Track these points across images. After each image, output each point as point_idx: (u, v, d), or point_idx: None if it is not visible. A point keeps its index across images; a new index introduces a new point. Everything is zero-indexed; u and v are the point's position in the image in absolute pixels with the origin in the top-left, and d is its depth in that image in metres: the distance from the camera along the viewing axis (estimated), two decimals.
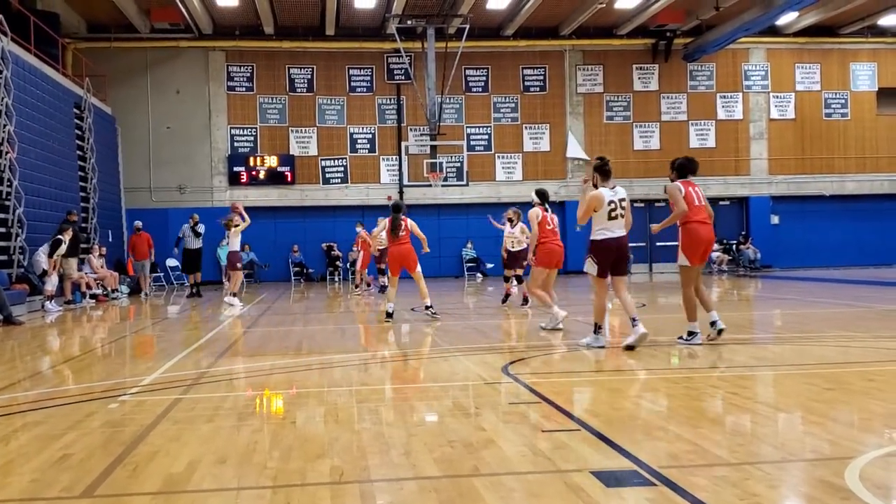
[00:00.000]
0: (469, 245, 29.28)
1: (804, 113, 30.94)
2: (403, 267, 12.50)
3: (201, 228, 21.48)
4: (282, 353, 9.29)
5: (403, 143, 28.61)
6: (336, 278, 28.40)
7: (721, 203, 29.67)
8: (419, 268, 12.58)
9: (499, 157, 29.69)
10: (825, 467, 3.99)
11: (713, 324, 8.52)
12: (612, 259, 8.47)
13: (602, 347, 8.43)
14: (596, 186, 8.61)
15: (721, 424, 5.14)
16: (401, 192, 28.93)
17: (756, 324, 11.67)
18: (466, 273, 28.80)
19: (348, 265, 28.21)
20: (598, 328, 8.50)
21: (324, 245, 28.95)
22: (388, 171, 29.24)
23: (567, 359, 8.43)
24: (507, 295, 15.21)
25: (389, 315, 12.34)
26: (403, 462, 4.24)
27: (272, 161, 28.64)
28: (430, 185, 27.71)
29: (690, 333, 8.59)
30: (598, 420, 5.26)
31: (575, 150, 29.76)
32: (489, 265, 28.50)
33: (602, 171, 8.51)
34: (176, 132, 28.28)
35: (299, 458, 4.37)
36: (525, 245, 14.86)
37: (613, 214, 8.38)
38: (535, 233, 11.18)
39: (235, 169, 28.61)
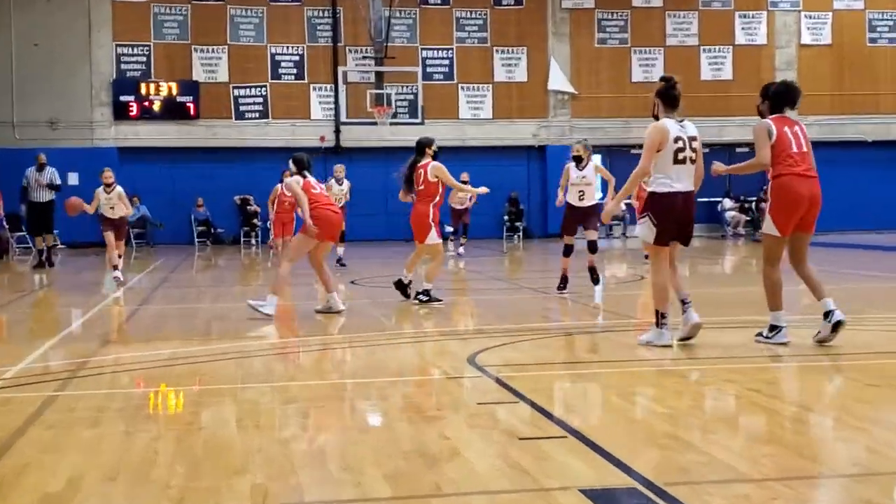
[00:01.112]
0: None
1: (843, 37, 31.32)
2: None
3: (54, 177, 19.84)
4: (185, 338, 9.24)
5: (341, 69, 28.33)
6: (253, 241, 28.24)
7: (738, 150, 29.96)
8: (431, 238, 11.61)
9: (463, 88, 29.64)
10: (871, 484, 4.05)
11: (827, 315, 7.57)
12: (677, 221, 7.77)
13: (668, 346, 7.71)
14: (656, 118, 7.91)
15: (740, 430, 5.21)
16: (337, 132, 28.77)
17: None
18: None
19: (269, 224, 28.04)
20: (661, 318, 7.77)
21: (237, 198, 28.74)
22: (320, 103, 29.05)
23: (548, 346, 8.52)
24: (565, 279, 12.67)
25: (427, 295, 11.58)
26: (345, 479, 4.24)
27: (170, 89, 28.26)
28: (376, 124, 27.55)
29: (773, 329, 7.76)
30: (588, 424, 5.30)
31: (558, 80, 29.82)
32: (448, 228, 28.55)
33: (668, 96, 7.87)
34: (45, 51, 27.69)
35: (210, 475, 4.35)
36: (599, 199, 12.89)
37: (681, 157, 7.69)
38: (302, 198, 10.38)
39: (122, 99, 28.20)
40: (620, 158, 26.79)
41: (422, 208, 11.53)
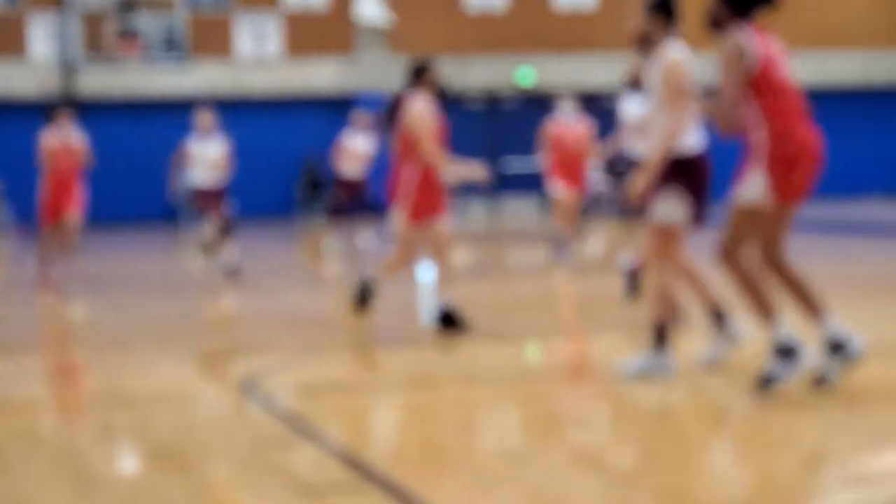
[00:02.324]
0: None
1: None
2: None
3: None
4: None
5: None
6: None
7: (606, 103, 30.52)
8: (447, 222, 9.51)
9: (242, 17, 29.24)
10: None
11: (838, 348, 6.31)
12: (703, 190, 7.34)
13: (666, 374, 7.07)
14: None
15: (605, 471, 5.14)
16: (68, 77, 27.91)
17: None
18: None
19: None
20: (661, 336, 7.17)
21: None
22: (41, 38, 28.15)
23: (350, 362, 8.54)
24: (636, 276, 10.51)
25: (450, 318, 9.25)
26: None
27: None
28: (122, 63, 26.86)
29: (785, 353, 6.31)
30: (404, 471, 5.24)
31: (371, 8, 29.64)
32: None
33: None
34: None
35: None
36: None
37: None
38: None
39: None
40: (449, 107, 26.82)
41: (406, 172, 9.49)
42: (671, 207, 7.15)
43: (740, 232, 6.44)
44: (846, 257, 15.74)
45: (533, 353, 9.16)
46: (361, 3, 29.65)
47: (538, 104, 30.60)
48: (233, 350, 9.47)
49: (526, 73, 29.83)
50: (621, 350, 8.06)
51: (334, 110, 29.70)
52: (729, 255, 6.42)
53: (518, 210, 30.06)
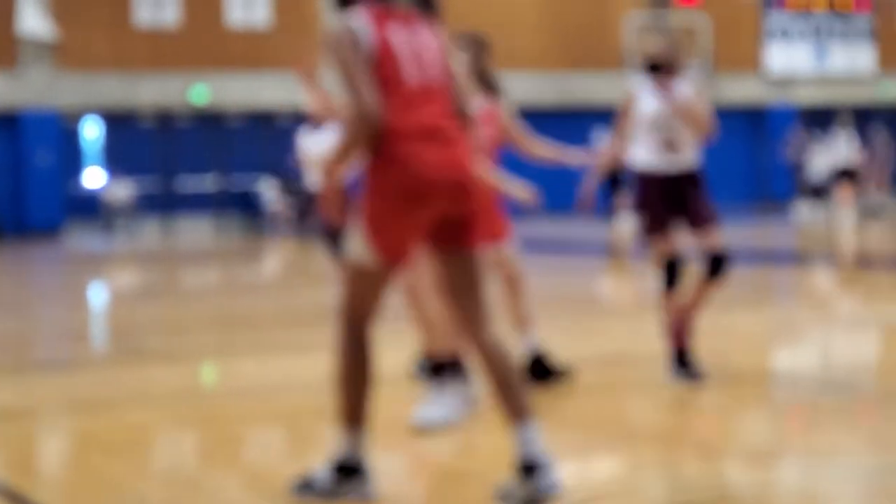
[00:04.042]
0: None
1: None
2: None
3: None
4: None
5: None
6: None
7: (283, 124, 30.37)
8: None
9: None
10: None
11: (530, 470, 4.65)
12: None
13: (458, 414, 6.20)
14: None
15: None
16: None
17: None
18: None
19: None
20: (440, 371, 6.34)
21: None
22: None
23: (11, 386, 8.14)
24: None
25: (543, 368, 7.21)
26: None
27: None
28: None
29: (345, 470, 4.82)
30: (73, 501, 4.96)
31: (34, 21, 28.51)
32: None
33: None
34: None
35: None
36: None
37: None
38: None
39: None
40: (120, 125, 26.27)
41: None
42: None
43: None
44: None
45: (207, 373, 8.99)
46: (24, 16, 28.52)
47: (212, 122, 30.27)
48: None
49: (199, 91, 29.39)
50: (298, 366, 8.02)
51: (21, 141, 28.45)
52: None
53: (191, 229, 29.55)
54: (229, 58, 29.24)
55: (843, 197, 24.68)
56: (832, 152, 25.51)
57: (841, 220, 23.98)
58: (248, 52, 29.78)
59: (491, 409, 5.24)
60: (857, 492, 4.94)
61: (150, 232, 28.79)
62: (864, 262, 16.54)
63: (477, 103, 6.55)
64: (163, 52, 29.54)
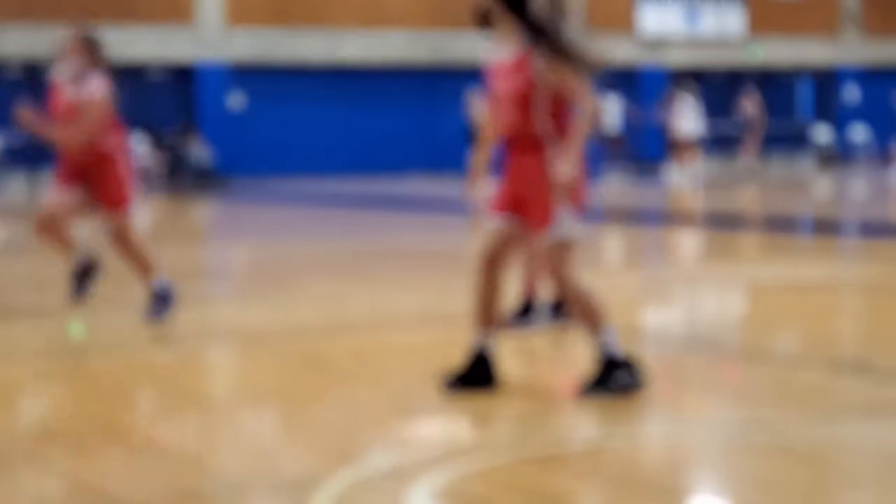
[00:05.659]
0: None
1: None
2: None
3: None
4: None
5: None
6: None
7: (155, 78, 29.81)
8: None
9: None
10: None
11: None
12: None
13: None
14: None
15: None
16: None
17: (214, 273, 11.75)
18: None
19: None
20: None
21: None
22: None
23: None
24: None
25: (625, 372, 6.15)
26: None
27: None
28: None
29: None
30: None
31: None
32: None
33: None
34: None
35: None
36: None
37: None
38: None
39: None
40: None
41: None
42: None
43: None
44: (393, 232, 16.17)
45: (75, 329, 8.85)
46: None
47: None
48: None
49: None
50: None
51: None
52: None
53: None
54: (99, 9, 28.61)
55: (682, 160, 24.96)
56: (684, 117, 25.47)
57: (680, 182, 24.41)
58: (119, 4, 29.20)
59: None
60: (720, 446, 5.10)
61: (15, 187, 28.19)
62: (733, 224, 16.83)
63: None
64: (30, 1, 28.83)
